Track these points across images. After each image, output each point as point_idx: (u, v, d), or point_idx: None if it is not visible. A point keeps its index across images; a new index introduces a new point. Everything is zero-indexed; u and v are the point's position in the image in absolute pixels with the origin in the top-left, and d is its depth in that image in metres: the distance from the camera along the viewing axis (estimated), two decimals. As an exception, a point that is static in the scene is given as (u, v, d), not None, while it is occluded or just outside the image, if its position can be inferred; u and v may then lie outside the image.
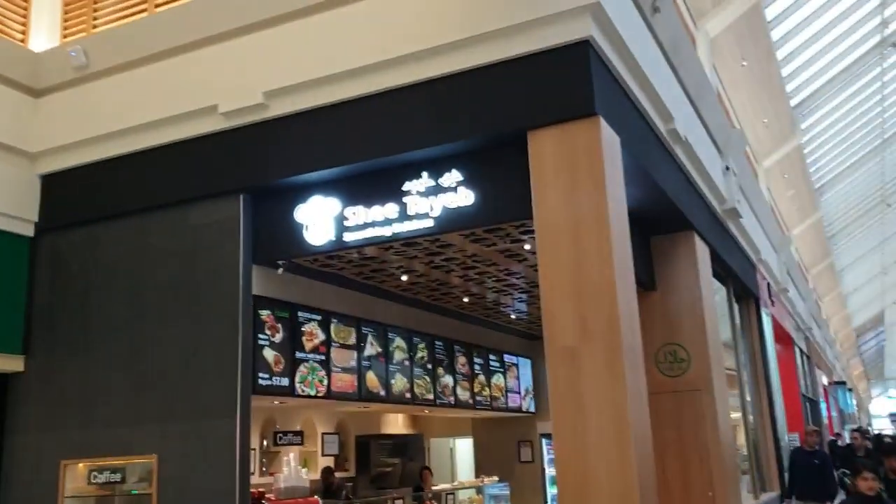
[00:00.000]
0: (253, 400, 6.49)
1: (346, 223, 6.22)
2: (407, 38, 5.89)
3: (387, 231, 6.08)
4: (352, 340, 8.43)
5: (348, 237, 6.21)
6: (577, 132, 5.38)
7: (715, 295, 9.40)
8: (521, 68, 5.58)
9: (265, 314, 7.17)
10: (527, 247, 7.26)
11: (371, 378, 8.73)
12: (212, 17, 6.81)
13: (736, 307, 11.90)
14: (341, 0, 6.23)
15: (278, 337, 7.30)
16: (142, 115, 6.94)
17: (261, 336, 7.06)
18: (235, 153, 6.59)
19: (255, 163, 6.49)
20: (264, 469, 9.88)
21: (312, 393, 7.71)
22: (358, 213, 6.19)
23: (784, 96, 17.94)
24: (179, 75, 6.88)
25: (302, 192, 6.42)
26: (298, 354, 7.54)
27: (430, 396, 10.01)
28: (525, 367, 13.02)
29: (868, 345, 58.80)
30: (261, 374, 6.99)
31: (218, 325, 6.41)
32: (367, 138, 6.05)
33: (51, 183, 7.48)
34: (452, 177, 5.88)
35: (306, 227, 6.36)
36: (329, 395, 7.97)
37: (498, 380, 11.94)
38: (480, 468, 13.46)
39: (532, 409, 13.07)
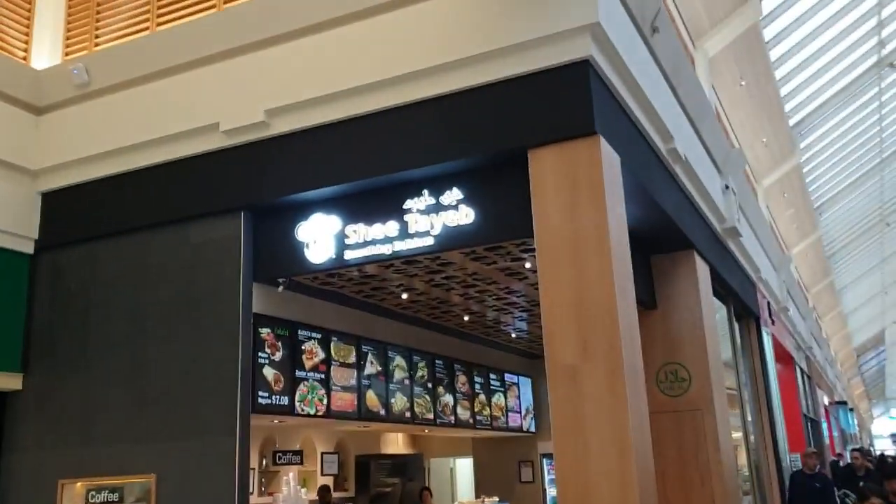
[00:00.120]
0: (252, 419, 6.46)
1: (346, 241, 6.22)
2: (408, 57, 5.91)
3: (387, 249, 6.07)
4: (352, 359, 8.41)
5: (349, 255, 6.21)
6: (578, 151, 5.39)
7: (715, 314, 9.38)
8: (521, 87, 5.60)
9: (265, 332, 7.16)
10: (527, 265, 7.26)
11: (371, 397, 8.70)
12: (213, 36, 6.84)
13: (736, 326, 11.88)
14: (343, 19, 6.27)
15: (278, 355, 7.28)
16: (143, 133, 6.96)
17: (261, 354, 7.05)
18: (236, 171, 6.60)
19: (256, 180, 6.50)
20: (263, 489, 9.80)
21: (312, 412, 7.67)
22: (359, 231, 6.19)
23: (783, 116, 17.99)
24: (181, 93, 6.90)
25: (303, 210, 6.42)
26: (298, 373, 7.52)
27: (430, 416, 9.97)
28: (526, 386, 12.98)
29: (869, 364, 58.62)
30: (260, 393, 6.96)
31: (218, 344, 6.39)
32: (367, 156, 6.06)
33: (51, 200, 7.49)
34: (453, 195, 5.89)
35: (307, 244, 6.35)
36: (329, 414, 7.94)
37: (498, 399, 11.90)
38: (481, 488, 13.39)
39: (533, 429, 13.01)
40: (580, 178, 5.35)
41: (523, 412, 12.72)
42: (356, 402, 8.39)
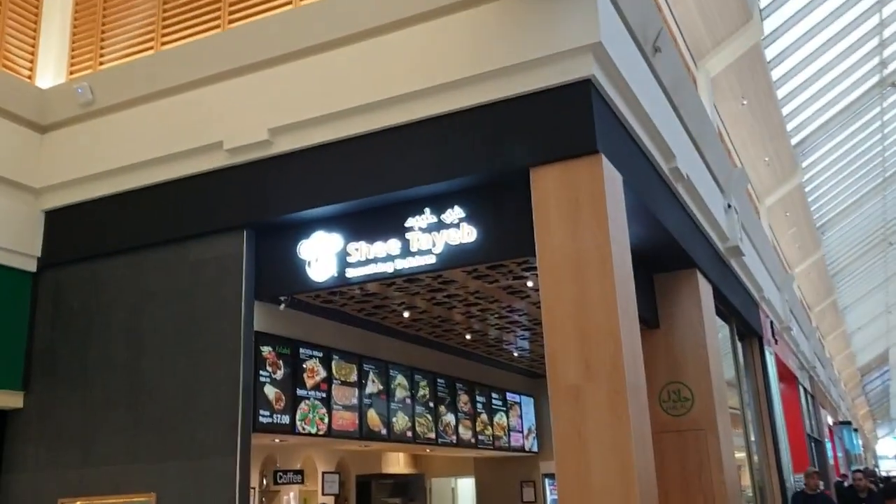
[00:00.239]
0: (253, 437, 6.43)
1: (348, 259, 6.22)
2: (410, 77, 5.94)
3: (389, 267, 6.07)
4: (353, 377, 8.38)
5: (351, 273, 6.20)
6: (580, 170, 5.39)
7: (718, 333, 9.35)
8: (523, 106, 5.62)
9: (266, 350, 7.14)
10: (529, 284, 7.25)
11: (372, 416, 8.66)
12: (217, 55, 6.88)
13: (739, 345, 11.84)
14: (345, 39, 6.30)
15: (279, 374, 7.26)
16: (147, 152, 6.98)
17: (262, 373, 7.02)
18: (239, 189, 6.61)
19: (259, 198, 6.51)
20: (263, 508, 9.75)
21: (313, 431, 7.64)
22: (360, 249, 6.19)
23: (785, 135, 18.02)
24: (185, 112, 6.92)
25: (305, 228, 6.43)
26: (299, 391, 7.49)
27: (432, 435, 9.92)
28: (528, 405, 12.92)
29: (873, 384, 58.35)
30: (261, 412, 6.93)
31: (219, 362, 6.37)
32: (370, 174, 6.07)
33: (54, 218, 7.50)
34: (455, 213, 5.89)
35: (309, 262, 6.35)
36: (330, 433, 7.90)
37: (500, 418, 11.84)
38: (482, 508, 13.30)
39: (535, 449, 12.94)
40: (582, 197, 5.35)
41: (525, 432, 12.66)
42: (357, 422, 8.35)
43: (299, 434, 7.47)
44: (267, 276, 6.59)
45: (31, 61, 8.11)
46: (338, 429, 8.02)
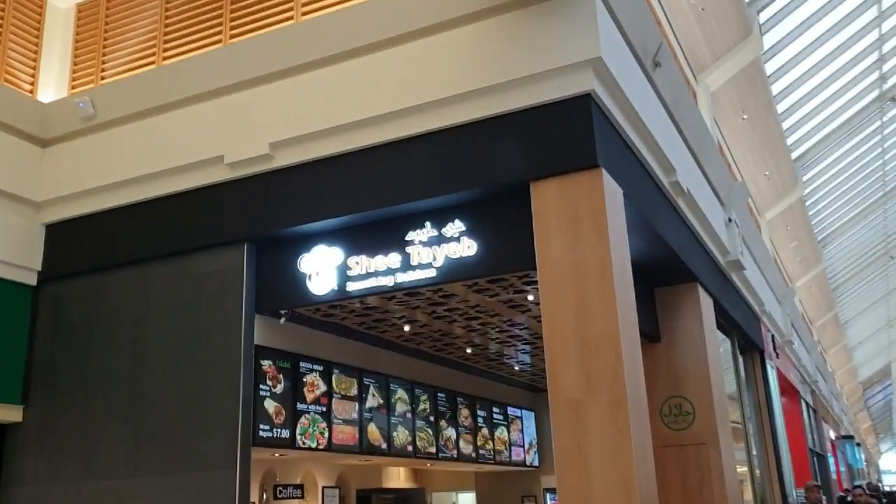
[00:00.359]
0: (253, 452, 6.41)
1: (349, 273, 6.22)
2: (411, 91, 5.96)
3: (389, 281, 6.07)
4: (353, 391, 8.36)
5: (351, 287, 6.20)
6: (580, 184, 5.40)
7: (719, 347, 9.33)
8: (524, 120, 5.63)
9: (267, 364, 7.12)
10: (530, 298, 7.24)
11: (372, 430, 8.63)
12: (218, 70, 6.91)
13: (740, 359, 11.81)
14: (346, 54, 6.33)
15: (279, 388, 7.24)
16: (148, 166, 7.00)
17: (262, 387, 7.01)
18: (240, 203, 6.62)
19: (260, 212, 6.52)
20: (263, 523, 9.70)
21: (313, 445, 7.61)
22: (361, 263, 6.19)
23: (785, 149, 18.06)
24: (186, 126, 6.94)
25: (305, 242, 6.43)
26: (300, 406, 7.47)
27: (433, 449, 9.88)
28: (529, 419, 12.88)
29: (875, 398, 58.15)
30: (261, 426, 6.91)
31: (219, 376, 6.36)
32: (370, 188, 6.08)
33: (55, 232, 7.51)
34: (455, 227, 5.90)
35: (309, 276, 6.35)
36: (330, 447, 7.87)
37: (501, 433, 11.80)
38: (483, 523, 13.23)
39: (536, 463, 12.89)
40: (583, 211, 5.35)
41: (526, 446, 12.61)
42: (357, 436, 8.32)
43: (299, 448, 7.45)
44: (267, 290, 6.59)
45: (33, 75, 8.15)
46: (338, 443, 7.99)
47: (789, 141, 18.34)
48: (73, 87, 8.16)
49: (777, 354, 14.36)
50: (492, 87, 5.69)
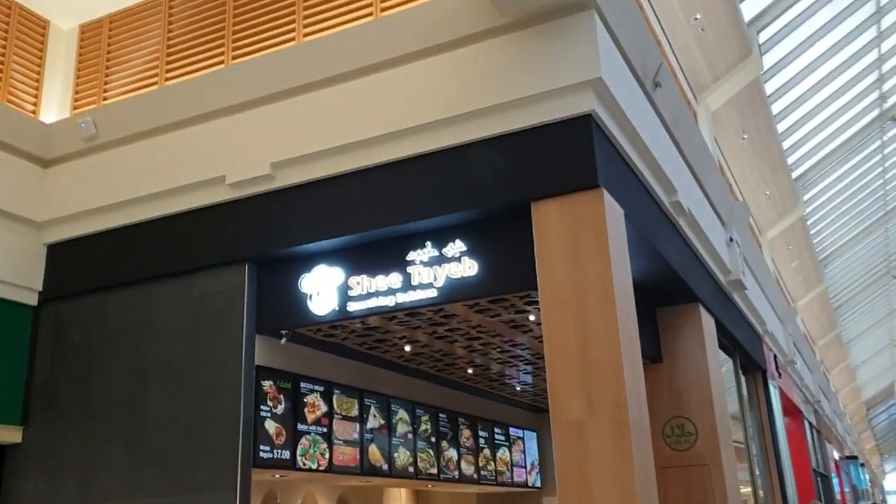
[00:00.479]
0: (253, 473, 6.37)
1: (349, 293, 6.21)
2: (411, 111, 5.98)
3: (390, 301, 6.06)
4: (354, 412, 8.32)
5: (352, 307, 6.19)
6: (581, 204, 5.40)
7: (721, 367, 9.30)
8: (524, 140, 5.64)
9: (267, 385, 7.09)
10: (531, 318, 7.22)
11: (373, 451, 8.58)
12: (220, 91, 6.94)
13: (743, 379, 11.76)
14: (347, 75, 6.36)
15: (280, 408, 7.20)
16: (149, 186, 7.01)
17: (262, 407, 6.97)
18: (242, 223, 6.63)
19: (261, 232, 6.52)
20: (263, 545, 9.63)
21: (314, 466, 7.57)
22: (362, 283, 6.18)
23: (786, 168, 18.09)
24: (188, 146, 6.97)
25: (306, 262, 6.43)
26: (300, 426, 7.43)
27: (434, 470, 9.82)
28: (531, 440, 12.80)
29: (879, 418, 57.87)
30: (262, 447, 6.87)
31: (220, 396, 6.34)
32: (371, 208, 6.09)
33: (56, 252, 7.51)
34: (456, 247, 5.89)
35: (310, 296, 6.34)
36: (331, 468, 7.82)
37: (503, 454, 11.73)
38: (485, 545, 13.12)
39: (538, 484, 12.80)
40: (584, 231, 5.35)
41: (528, 467, 12.53)
42: (359, 457, 8.27)
43: (300, 469, 7.40)
44: (268, 310, 6.58)
45: (36, 96, 8.18)
46: (339, 464, 7.94)
47: (790, 160, 18.37)
48: (75, 108, 8.20)
49: (780, 374, 14.30)
50: (492, 107, 5.70)
